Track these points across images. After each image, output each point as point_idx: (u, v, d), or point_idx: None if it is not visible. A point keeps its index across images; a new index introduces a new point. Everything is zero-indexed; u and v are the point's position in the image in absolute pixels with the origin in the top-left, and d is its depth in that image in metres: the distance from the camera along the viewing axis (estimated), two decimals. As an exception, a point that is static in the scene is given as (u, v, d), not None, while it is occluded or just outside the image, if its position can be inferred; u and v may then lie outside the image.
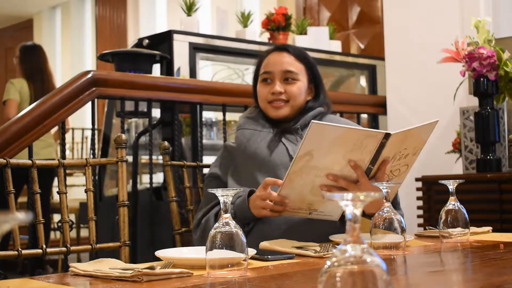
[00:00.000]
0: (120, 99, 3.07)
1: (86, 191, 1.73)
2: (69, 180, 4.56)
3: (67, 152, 6.66)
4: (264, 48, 3.91)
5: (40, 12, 9.56)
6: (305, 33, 4.32)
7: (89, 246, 1.70)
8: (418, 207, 3.00)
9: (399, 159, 1.64)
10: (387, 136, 1.54)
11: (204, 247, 1.21)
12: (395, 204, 1.86)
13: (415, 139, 1.63)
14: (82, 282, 1.21)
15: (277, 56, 1.97)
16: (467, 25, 3.13)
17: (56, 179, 1.94)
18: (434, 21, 3.64)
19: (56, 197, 5.12)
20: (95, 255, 1.78)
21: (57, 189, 1.71)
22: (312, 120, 1.54)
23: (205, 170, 2.08)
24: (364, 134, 1.54)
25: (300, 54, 1.98)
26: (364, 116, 4.19)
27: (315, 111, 1.95)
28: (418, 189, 3.06)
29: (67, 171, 4.71)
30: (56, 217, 5.26)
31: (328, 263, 0.76)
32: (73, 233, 5.22)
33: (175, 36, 3.53)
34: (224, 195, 1.20)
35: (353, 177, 1.61)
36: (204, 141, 3.78)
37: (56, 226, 4.98)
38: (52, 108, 2.64)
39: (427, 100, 3.63)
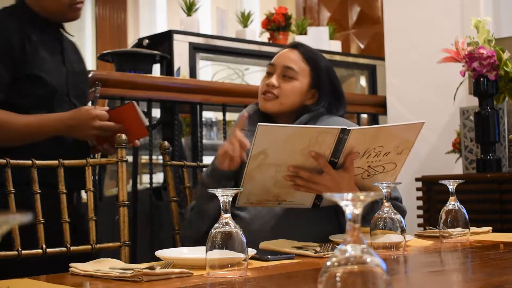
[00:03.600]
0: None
1: (86, 191, 1.73)
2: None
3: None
4: (264, 48, 3.92)
5: (40, 12, 9.55)
6: (305, 33, 4.32)
7: (89, 246, 1.70)
8: (418, 207, 3.00)
9: (375, 155, 1.65)
10: (344, 131, 1.55)
11: (204, 247, 1.21)
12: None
13: (393, 138, 1.63)
14: (82, 282, 1.21)
15: (286, 52, 1.95)
16: (467, 25, 3.13)
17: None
18: (434, 21, 3.64)
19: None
20: (95, 255, 1.78)
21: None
22: (259, 123, 1.54)
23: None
24: (318, 131, 1.57)
25: (309, 55, 1.93)
26: (364, 116, 4.19)
27: (312, 114, 1.88)
28: (418, 189, 3.06)
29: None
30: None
31: (328, 263, 0.76)
32: (73, 233, 5.20)
33: (175, 36, 3.53)
34: (224, 195, 1.20)
35: (317, 168, 1.63)
36: (204, 141, 3.77)
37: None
38: (52, 108, 2.63)
39: (427, 100, 3.63)
